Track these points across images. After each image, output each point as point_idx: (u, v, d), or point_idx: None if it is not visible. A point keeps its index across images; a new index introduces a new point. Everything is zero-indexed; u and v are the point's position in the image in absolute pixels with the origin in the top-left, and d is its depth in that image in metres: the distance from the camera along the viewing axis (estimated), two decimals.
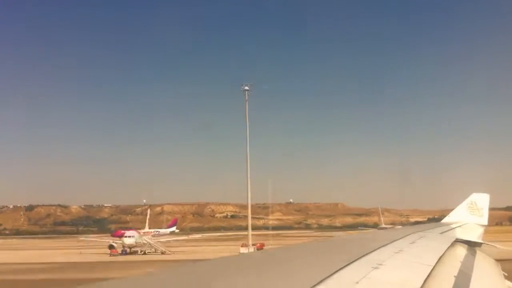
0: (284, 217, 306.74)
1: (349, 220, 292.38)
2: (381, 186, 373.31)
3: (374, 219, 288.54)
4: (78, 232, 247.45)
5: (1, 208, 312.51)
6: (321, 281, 3.44)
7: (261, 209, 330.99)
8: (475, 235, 13.94)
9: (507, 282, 6.95)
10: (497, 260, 8.78)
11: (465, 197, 20.08)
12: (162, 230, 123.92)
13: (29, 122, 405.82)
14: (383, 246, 6.19)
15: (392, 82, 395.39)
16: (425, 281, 4.23)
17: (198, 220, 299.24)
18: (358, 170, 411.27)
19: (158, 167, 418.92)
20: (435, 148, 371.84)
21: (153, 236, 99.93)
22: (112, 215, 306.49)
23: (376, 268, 4.35)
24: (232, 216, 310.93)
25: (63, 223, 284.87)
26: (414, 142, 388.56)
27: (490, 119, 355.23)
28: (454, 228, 14.08)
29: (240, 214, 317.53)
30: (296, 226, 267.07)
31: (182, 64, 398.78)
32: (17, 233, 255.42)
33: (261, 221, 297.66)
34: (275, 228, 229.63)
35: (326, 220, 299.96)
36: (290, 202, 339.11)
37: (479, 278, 5.96)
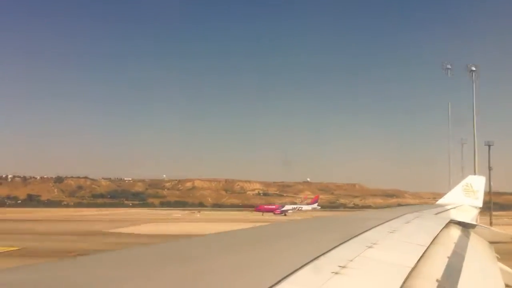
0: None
1: (379, 201, 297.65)
2: (398, 168, 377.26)
3: (406, 200, 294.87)
4: (123, 205, 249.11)
5: (28, 178, 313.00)
6: (315, 258, 3.46)
7: (286, 188, 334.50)
8: (469, 217, 14.13)
9: (500, 264, 7.01)
10: (491, 242, 8.81)
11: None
12: (305, 207, 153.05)
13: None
14: (378, 225, 6.26)
15: (415, 61, 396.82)
16: (418, 260, 4.25)
17: (234, 197, 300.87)
18: (374, 151, 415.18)
19: (180, 142, 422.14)
20: (457, 131, 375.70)
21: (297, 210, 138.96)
22: (146, 189, 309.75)
23: (370, 247, 4.40)
24: (264, 194, 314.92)
25: (101, 196, 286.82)
26: (436, 124, 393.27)
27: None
28: (449, 209, 14.09)
29: (270, 191, 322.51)
30: (331, 205, 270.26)
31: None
32: (79, 205, 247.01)
33: (297, 199, 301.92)
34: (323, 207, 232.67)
35: (357, 200, 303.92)
36: (308, 181, 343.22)
37: (472, 259, 6.02)
